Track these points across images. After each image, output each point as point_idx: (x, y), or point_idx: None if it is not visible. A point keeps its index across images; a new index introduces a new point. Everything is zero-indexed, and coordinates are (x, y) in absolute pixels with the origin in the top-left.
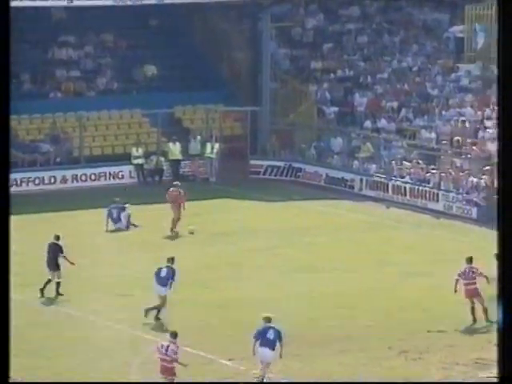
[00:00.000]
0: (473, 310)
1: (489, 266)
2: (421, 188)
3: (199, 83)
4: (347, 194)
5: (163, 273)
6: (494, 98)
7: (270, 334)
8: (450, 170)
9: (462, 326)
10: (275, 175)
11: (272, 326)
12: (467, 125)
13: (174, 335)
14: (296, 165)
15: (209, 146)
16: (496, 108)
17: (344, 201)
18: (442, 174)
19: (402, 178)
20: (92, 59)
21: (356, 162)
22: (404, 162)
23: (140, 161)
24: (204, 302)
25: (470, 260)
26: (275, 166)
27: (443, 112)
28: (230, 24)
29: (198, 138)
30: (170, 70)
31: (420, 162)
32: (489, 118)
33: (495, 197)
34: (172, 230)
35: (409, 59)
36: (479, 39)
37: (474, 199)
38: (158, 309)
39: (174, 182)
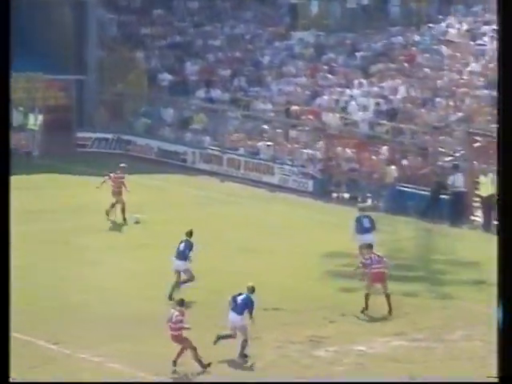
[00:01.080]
0: (368, 296)
1: (329, 239)
2: (256, 161)
3: (20, 50)
4: (180, 167)
5: (181, 247)
6: (326, 66)
7: (239, 300)
8: (285, 142)
9: (296, 304)
10: (103, 148)
11: (247, 294)
12: (301, 94)
13: (181, 303)
14: (125, 137)
15: (31, 117)
16: (330, 76)
17: (176, 175)
18: (277, 147)
19: (237, 150)
20: None
21: (189, 134)
22: (239, 134)
23: None
24: (29, 283)
25: (370, 246)
26: (103, 139)
27: (277, 81)
28: None
29: (21, 108)
30: None
31: (255, 133)
32: (322, 87)
33: (331, 168)
34: (125, 219)
35: (241, 26)
36: (313, 6)
37: (310, 172)
38: (175, 286)
39: (121, 165)
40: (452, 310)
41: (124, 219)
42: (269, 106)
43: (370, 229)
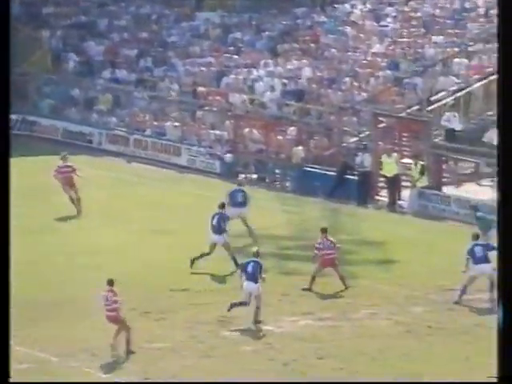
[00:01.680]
0: (313, 278)
1: (237, 219)
2: (163, 142)
3: None
4: (86, 148)
5: (215, 221)
6: (232, 47)
7: (250, 268)
8: (193, 123)
9: (204, 284)
10: None
11: (254, 259)
12: (208, 75)
13: (110, 283)
14: (30, 118)
15: None
16: (236, 56)
17: (82, 156)
18: (184, 128)
19: (144, 131)
20: None
21: (95, 115)
22: (145, 115)
23: None
24: None
25: (325, 230)
26: None
27: (184, 61)
28: None
29: None
30: None
31: (161, 114)
32: (229, 67)
33: (238, 149)
34: (79, 212)
35: (147, 6)
36: None
37: (218, 153)
38: (203, 256)
39: (62, 153)
40: (357, 289)
41: (78, 212)
42: (175, 87)
43: (243, 203)
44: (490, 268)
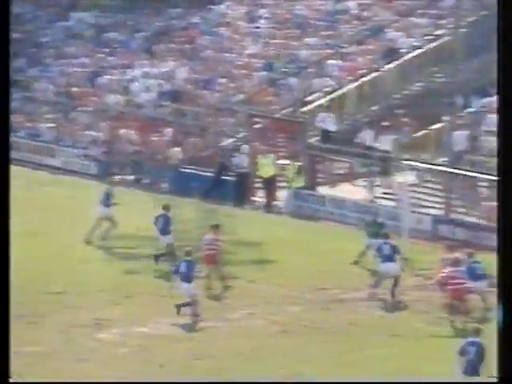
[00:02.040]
0: (208, 278)
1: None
2: (37, 143)
3: None
4: None
5: (160, 222)
6: (107, 48)
7: (183, 268)
8: (67, 124)
9: (80, 287)
10: None
11: (187, 259)
12: (83, 75)
13: None
14: None
15: None
16: (111, 57)
17: None
18: (59, 129)
19: (17, 132)
20: None
21: None
22: (19, 116)
23: None
24: None
25: (213, 227)
26: None
27: (58, 62)
28: None
29: None
30: None
31: (35, 115)
32: (104, 67)
33: (114, 150)
34: None
35: (20, 5)
36: None
37: (93, 154)
38: (171, 257)
39: None
40: (235, 289)
41: None
42: (50, 87)
43: (107, 203)
44: (395, 269)
